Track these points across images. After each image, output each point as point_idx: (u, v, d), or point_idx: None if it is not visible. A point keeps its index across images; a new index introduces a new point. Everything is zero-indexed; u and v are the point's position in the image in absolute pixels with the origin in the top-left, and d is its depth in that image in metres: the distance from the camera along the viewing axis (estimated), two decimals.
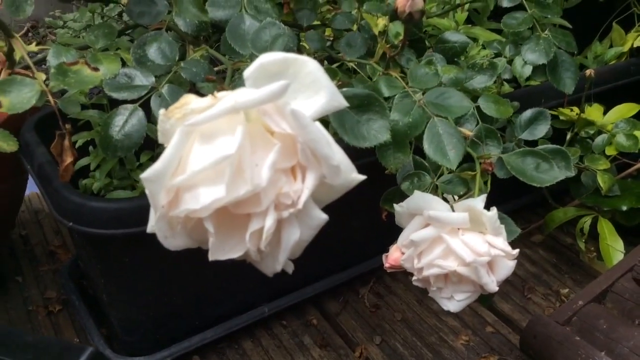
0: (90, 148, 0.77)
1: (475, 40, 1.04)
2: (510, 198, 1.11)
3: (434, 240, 0.53)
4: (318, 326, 0.89)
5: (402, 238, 0.55)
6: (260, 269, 0.37)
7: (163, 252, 0.74)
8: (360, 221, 0.86)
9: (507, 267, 0.53)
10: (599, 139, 0.89)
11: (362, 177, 0.36)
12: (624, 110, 0.93)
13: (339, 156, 0.34)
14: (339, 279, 0.92)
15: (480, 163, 0.66)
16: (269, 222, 0.31)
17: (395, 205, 0.56)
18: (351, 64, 0.74)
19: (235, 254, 0.33)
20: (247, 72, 0.33)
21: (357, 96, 0.49)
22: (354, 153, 0.82)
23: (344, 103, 0.34)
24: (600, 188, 0.86)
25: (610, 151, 0.87)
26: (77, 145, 0.73)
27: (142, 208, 0.55)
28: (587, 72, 0.85)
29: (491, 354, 0.84)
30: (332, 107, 0.34)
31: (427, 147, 0.54)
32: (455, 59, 0.79)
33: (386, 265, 0.57)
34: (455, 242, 0.52)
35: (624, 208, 0.90)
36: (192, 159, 0.30)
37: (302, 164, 0.32)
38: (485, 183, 0.68)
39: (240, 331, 0.85)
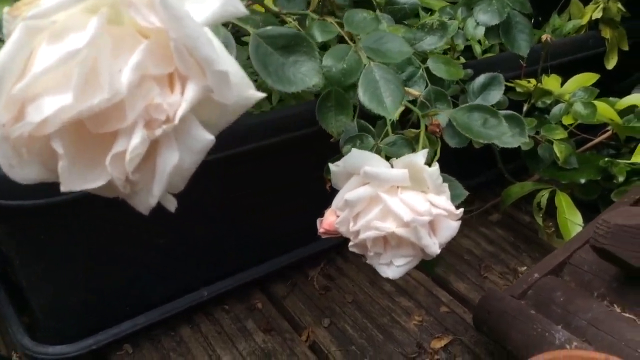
0: None
1: (430, 11, 0.99)
2: (467, 176, 1.07)
3: (371, 200, 0.48)
4: (263, 310, 0.83)
5: (337, 199, 0.50)
6: (134, 206, 0.31)
7: (86, 228, 0.68)
8: (307, 198, 0.81)
9: (450, 228, 0.48)
10: (556, 109, 0.85)
11: (261, 95, 0.30)
12: (582, 79, 0.89)
13: (228, 64, 0.28)
14: (286, 261, 0.87)
15: (426, 126, 0.61)
16: (136, 140, 0.25)
17: (330, 165, 0.51)
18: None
19: (95, 183, 0.27)
20: None
21: (283, 36, 0.43)
22: (295, 122, 0.77)
23: (241, 10, 0.29)
24: (557, 158, 0.82)
25: (568, 120, 0.84)
26: None
27: None
28: (544, 37, 0.81)
29: (445, 334, 0.80)
30: (227, 13, 0.28)
31: (362, 94, 0.48)
32: (405, 22, 0.75)
33: (320, 230, 0.52)
34: (393, 201, 0.46)
35: (582, 181, 0.87)
36: (37, 62, 0.24)
37: (182, 72, 0.26)
38: (435, 153, 0.63)
39: (177, 316, 0.78)
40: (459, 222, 0.49)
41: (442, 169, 0.57)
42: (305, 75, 0.42)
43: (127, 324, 0.74)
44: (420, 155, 0.47)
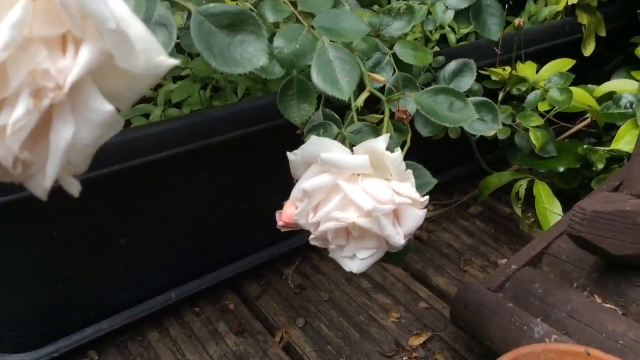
0: None
1: None
2: (445, 169, 1.05)
3: (331, 189, 0.45)
4: (235, 311, 0.80)
5: (296, 190, 0.47)
6: (31, 190, 0.28)
7: (39, 229, 0.65)
8: (278, 192, 0.78)
9: (415, 216, 0.45)
10: (532, 95, 0.83)
11: (174, 62, 0.27)
12: (558, 65, 0.87)
13: (132, 25, 0.25)
14: (260, 259, 0.84)
15: (393, 112, 0.58)
16: (19, 111, 0.22)
17: (288, 154, 0.48)
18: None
19: None
20: None
21: (227, 13, 0.40)
22: (261, 114, 0.74)
23: None
24: (534, 146, 0.79)
25: (544, 107, 0.81)
26: None
27: None
28: (517, 21, 0.79)
29: (424, 330, 0.77)
30: None
31: (315, 76, 0.46)
32: (372, 8, 0.72)
33: (279, 223, 0.49)
34: (353, 189, 0.44)
35: (561, 169, 0.85)
36: None
37: (75, 34, 0.23)
38: (404, 143, 0.61)
39: (144, 320, 0.75)
40: (425, 211, 0.46)
41: (419, 162, 0.55)
42: (253, 55, 0.39)
43: (90, 329, 0.70)
44: (381, 140, 0.45)
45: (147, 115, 0.75)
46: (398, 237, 0.44)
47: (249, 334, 0.76)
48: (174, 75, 0.83)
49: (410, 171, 0.46)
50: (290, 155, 0.48)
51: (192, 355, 0.73)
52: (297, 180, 0.49)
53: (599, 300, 0.64)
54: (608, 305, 0.63)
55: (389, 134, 0.45)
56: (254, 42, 0.39)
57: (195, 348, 0.74)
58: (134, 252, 0.71)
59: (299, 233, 0.88)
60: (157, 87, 0.80)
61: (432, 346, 0.75)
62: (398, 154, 0.44)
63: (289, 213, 0.47)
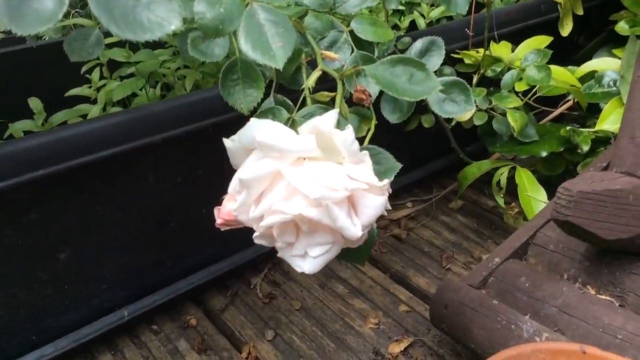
0: None
1: None
2: (423, 163, 0.99)
3: (273, 177, 0.38)
4: (198, 327, 0.73)
5: (234, 181, 0.40)
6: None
7: None
8: None
9: (374, 204, 0.39)
10: (508, 76, 0.77)
11: None
12: (534, 43, 0.81)
13: None
14: (223, 268, 0.77)
15: (351, 93, 0.52)
16: None
17: (224, 140, 0.41)
18: None
19: None
20: None
21: None
22: (211, 105, 0.67)
23: None
24: (513, 129, 0.73)
25: (521, 87, 0.75)
26: None
27: None
28: None
29: (405, 335, 0.70)
30: None
31: (243, 42, 0.39)
32: None
33: (218, 222, 0.42)
34: (297, 175, 0.37)
35: (544, 154, 0.79)
36: None
37: None
38: (369, 129, 0.55)
39: (95, 342, 0.68)
40: (386, 197, 0.40)
41: (394, 156, 0.48)
42: (163, 19, 0.33)
43: (31, 356, 0.63)
44: (329, 117, 0.38)
45: (86, 117, 0.69)
46: (354, 228, 0.38)
47: (212, 352, 0.69)
48: (122, 75, 0.76)
49: (366, 152, 0.39)
50: (227, 142, 0.41)
51: None
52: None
53: (592, 292, 0.58)
54: (603, 297, 0.57)
55: (337, 110, 0.39)
56: (164, 3, 0.33)
57: None
58: (77, 268, 0.64)
59: None
60: (101, 87, 0.73)
61: (415, 352, 0.68)
62: (349, 131, 0.38)
63: (228, 209, 0.41)
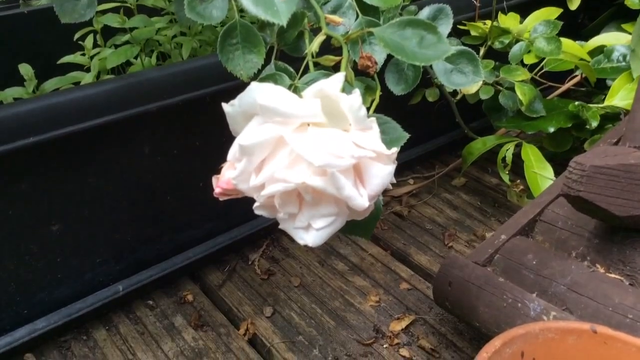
0: None
1: None
2: (425, 139, 0.97)
3: (276, 144, 0.36)
4: (194, 303, 0.71)
5: (234, 147, 0.38)
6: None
7: None
8: None
9: (382, 173, 0.37)
10: (516, 47, 0.75)
11: None
12: (543, 14, 0.78)
13: None
14: (221, 243, 0.75)
15: (355, 61, 0.50)
16: None
17: (224, 105, 0.39)
18: None
19: None
20: None
21: None
22: (211, 73, 0.65)
23: None
24: (521, 103, 0.71)
25: (530, 60, 0.73)
26: None
27: None
28: None
29: (406, 314, 0.69)
30: None
31: None
32: None
33: (216, 191, 0.40)
34: (301, 142, 0.35)
35: (552, 130, 0.76)
36: None
37: None
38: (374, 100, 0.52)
39: (89, 317, 0.66)
40: (393, 167, 0.38)
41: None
42: None
43: (22, 330, 0.61)
44: (334, 80, 0.36)
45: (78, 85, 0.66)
46: (361, 199, 0.36)
47: (209, 328, 0.68)
48: (116, 43, 0.73)
49: (373, 119, 0.37)
50: (226, 107, 0.39)
51: (144, 354, 0.64)
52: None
53: (601, 270, 0.56)
54: (612, 276, 0.55)
55: (343, 73, 0.37)
56: None
57: (148, 346, 0.65)
58: (70, 240, 0.62)
59: None
60: (94, 55, 0.71)
61: (416, 331, 0.67)
62: (356, 95, 0.36)
63: (227, 177, 0.38)
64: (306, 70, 0.50)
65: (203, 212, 0.72)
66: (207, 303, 0.71)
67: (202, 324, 0.68)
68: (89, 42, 0.68)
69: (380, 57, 0.53)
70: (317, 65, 0.50)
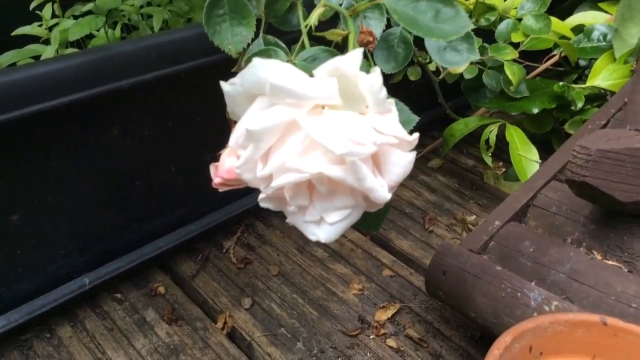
0: None
1: None
2: None
3: (286, 128, 0.32)
4: (166, 295, 0.66)
5: (237, 133, 0.34)
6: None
7: None
8: (216, 153, 0.64)
9: (402, 162, 0.33)
10: (503, 25, 0.72)
11: None
12: None
13: None
14: (193, 231, 0.70)
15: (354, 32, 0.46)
16: None
17: (222, 83, 0.34)
18: None
19: None
20: None
21: None
22: (186, 47, 0.60)
23: None
24: (509, 83, 0.69)
25: (517, 37, 0.70)
26: None
27: None
28: None
29: (391, 302, 0.66)
30: None
31: None
32: None
33: (215, 181, 0.36)
34: (318, 126, 0.31)
35: (535, 111, 0.75)
36: None
37: None
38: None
39: (52, 314, 0.61)
40: (414, 154, 0.34)
41: None
42: None
43: None
44: (352, 57, 0.32)
45: (38, 59, 0.60)
46: (382, 190, 0.32)
47: (184, 322, 0.63)
48: (75, 14, 0.67)
49: (392, 101, 0.34)
50: (225, 86, 0.34)
51: (114, 352, 0.59)
52: (235, 122, 0.35)
53: (598, 257, 0.54)
54: (610, 262, 0.54)
55: (361, 49, 0.33)
56: None
57: (119, 343, 0.60)
58: (31, 231, 0.56)
59: (241, 198, 0.75)
60: (53, 26, 0.64)
61: (402, 319, 0.64)
62: (377, 74, 0.32)
63: (228, 165, 0.34)
64: (301, 45, 0.45)
65: (174, 198, 0.67)
66: (180, 295, 0.67)
67: (177, 318, 0.64)
68: (47, 11, 0.61)
69: (378, 30, 0.49)
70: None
